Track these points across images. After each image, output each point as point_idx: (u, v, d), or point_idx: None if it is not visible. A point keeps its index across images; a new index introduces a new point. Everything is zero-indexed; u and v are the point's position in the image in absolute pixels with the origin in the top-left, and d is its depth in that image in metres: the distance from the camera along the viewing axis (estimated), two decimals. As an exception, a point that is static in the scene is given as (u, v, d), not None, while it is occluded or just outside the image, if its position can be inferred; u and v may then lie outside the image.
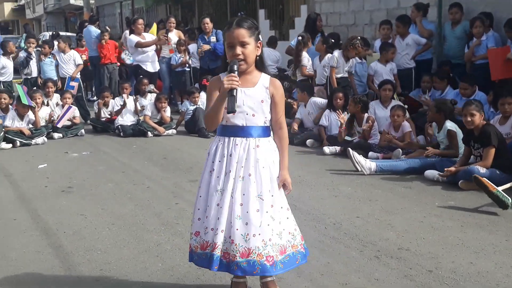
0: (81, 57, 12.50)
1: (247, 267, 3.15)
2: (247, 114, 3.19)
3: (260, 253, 3.15)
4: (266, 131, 3.29)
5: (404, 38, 9.48)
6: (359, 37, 9.52)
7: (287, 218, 3.32)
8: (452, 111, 7.19)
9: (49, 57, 12.08)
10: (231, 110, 3.03)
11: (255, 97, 3.22)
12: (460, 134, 6.87)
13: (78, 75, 11.85)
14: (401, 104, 8.21)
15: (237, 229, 3.14)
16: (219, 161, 3.24)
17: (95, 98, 15.18)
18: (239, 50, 3.14)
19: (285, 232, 3.28)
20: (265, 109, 3.25)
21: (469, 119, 6.19)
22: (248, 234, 3.14)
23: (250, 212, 3.15)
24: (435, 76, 8.83)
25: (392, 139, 7.60)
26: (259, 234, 3.15)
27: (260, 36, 3.27)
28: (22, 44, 16.43)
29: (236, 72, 3.05)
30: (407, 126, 7.76)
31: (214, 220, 3.18)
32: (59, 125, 9.80)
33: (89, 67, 14.27)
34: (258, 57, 3.25)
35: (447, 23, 9.41)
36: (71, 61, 11.90)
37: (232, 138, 3.23)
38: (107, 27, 14.02)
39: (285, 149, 3.38)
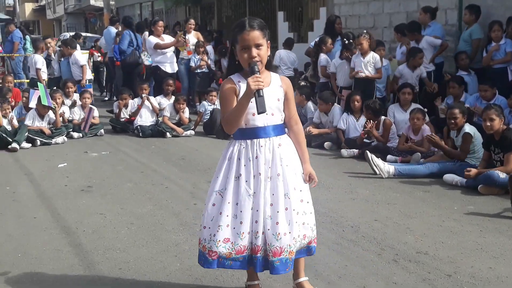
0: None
1: (280, 265, 3.18)
2: (266, 114, 3.18)
3: (292, 250, 3.19)
4: (283, 129, 3.33)
5: (419, 43, 9.42)
6: (364, 31, 9.52)
7: (311, 213, 3.37)
8: (472, 115, 7.15)
9: (66, 58, 12.30)
10: (262, 110, 3.02)
11: (272, 96, 3.23)
12: (479, 138, 6.82)
13: (88, 81, 12.11)
14: (421, 107, 8.16)
15: (268, 229, 3.17)
16: (245, 165, 3.22)
17: (107, 98, 15.36)
18: (255, 51, 3.13)
19: (308, 227, 3.34)
20: (281, 107, 3.29)
21: (488, 123, 6.15)
22: (279, 233, 3.16)
23: (280, 211, 3.18)
24: (452, 81, 8.68)
25: (412, 146, 7.56)
26: (289, 233, 3.18)
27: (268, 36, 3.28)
28: (28, 45, 16.68)
29: (258, 72, 3.07)
30: (427, 129, 7.71)
31: (250, 224, 3.19)
32: (87, 130, 9.88)
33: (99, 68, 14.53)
34: (268, 57, 3.26)
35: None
36: (75, 63, 12.08)
37: (255, 140, 3.22)
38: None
39: (303, 143, 3.42)
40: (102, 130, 10.16)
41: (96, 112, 10.31)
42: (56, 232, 4.96)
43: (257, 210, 3.18)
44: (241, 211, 3.19)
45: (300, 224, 3.25)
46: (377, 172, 6.80)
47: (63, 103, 10.08)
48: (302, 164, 3.37)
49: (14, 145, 8.64)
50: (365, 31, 9.68)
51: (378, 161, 6.86)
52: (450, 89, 8.13)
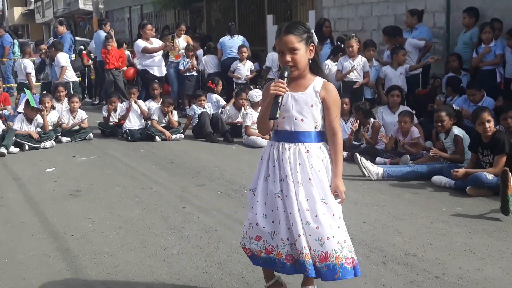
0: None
1: (327, 272, 3.15)
2: (295, 119, 3.16)
3: (338, 255, 3.15)
4: (317, 137, 3.24)
5: (403, 46, 9.46)
6: (353, 34, 9.59)
7: (338, 227, 3.23)
8: (461, 117, 7.18)
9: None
10: (272, 117, 3.03)
11: (304, 102, 3.19)
12: (467, 140, 6.84)
13: (68, 79, 12.09)
14: (409, 110, 8.18)
15: (310, 235, 3.13)
16: (273, 166, 3.24)
17: (96, 102, 15.31)
18: (288, 57, 3.13)
19: (334, 240, 3.18)
20: (316, 114, 3.20)
21: (487, 126, 6.14)
22: (321, 238, 3.12)
23: (319, 216, 3.14)
24: (470, 89, 8.31)
25: (405, 146, 7.59)
26: (333, 237, 3.14)
27: (314, 38, 3.21)
28: (16, 49, 16.66)
29: (286, 78, 3.06)
30: (415, 131, 7.74)
31: (278, 226, 3.20)
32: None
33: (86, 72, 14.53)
34: (311, 60, 3.22)
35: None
36: (57, 65, 12.11)
37: (281, 143, 3.23)
38: (111, 32, 14.07)
39: (338, 156, 3.30)
40: (90, 134, 10.11)
41: (84, 115, 10.26)
42: (43, 237, 4.93)
43: (290, 213, 3.16)
44: (272, 211, 3.22)
45: (343, 230, 3.21)
46: (366, 174, 6.81)
47: (52, 107, 10.02)
48: (333, 177, 3.27)
49: (2, 149, 8.58)
50: (353, 34, 9.72)
51: (367, 163, 6.88)
52: (469, 96, 8.06)
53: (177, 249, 4.55)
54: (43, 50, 13.05)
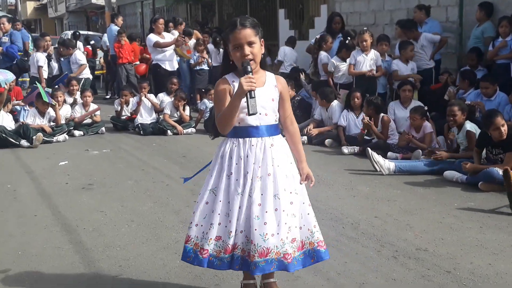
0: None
1: (265, 265, 3.13)
2: (260, 113, 3.15)
3: (278, 251, 3.14)
4: (277, 129, 3.29)
5: (418, 40, 9.40)
6: (365, 28, 9.55)
7: (308, 214, 3.30)
8: (473, 112, 7.14)
9: (67, 57, 12.44)
10: (253, 112, 3.00)
11: (266, 96, 3.21)
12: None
13: (83, 75, 12.27)
14: (421, 105, 8.14)
15: (255, 229, 3.12)
16: (236, 164, 3.21)
17: (108, 96, 15.39)
18: (247, 50, 3.11)
19: (305, 228, 3.28)
20: (275, 107, 3.26)
21: (502, 130, 6.11)
22: (266, 234, 3.11)
23: (268, 212, 3.14)
24: (484, 81, 8.23)
25: (412, 139, 7.57)
26: (278, 234, 3.14)
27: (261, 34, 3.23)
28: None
29: (250, 73, 3.04)
30: (428, 127, 7.69)
31: (237, 223, 3.17)
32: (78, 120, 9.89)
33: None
34: (262, 55, 3.23)
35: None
36: (76, 63, 12.23)
37: (247, 139, 3.20)
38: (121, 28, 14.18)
39: (299, 143, 3.40)
40: (103, 128, 10.17)
41: (97, 110, 10.31)
42: (56, 230, 4.97)
43: (240, 208, 3.16)
44: (231, 210, 3.19)
45: (289, 227, 3.18)
46: (378, 169, 6.80)
47: (64, 101, 10.09)
48: (298, 164, 3.34)
49: (34, 141, 8.77)
50: (365, 28, 9.68)
51: (378, 158, 6.87)
52: (482, 90, 8.00)
53: (188, 242, 4.56)
54: (48, 43, 13.10)
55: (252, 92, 2.99)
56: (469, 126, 6.90)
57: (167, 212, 5.42)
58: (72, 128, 9.80)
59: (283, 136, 3.37)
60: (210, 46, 13.18)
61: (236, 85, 3.10)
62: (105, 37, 15.93)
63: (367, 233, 4.74)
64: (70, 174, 7.05)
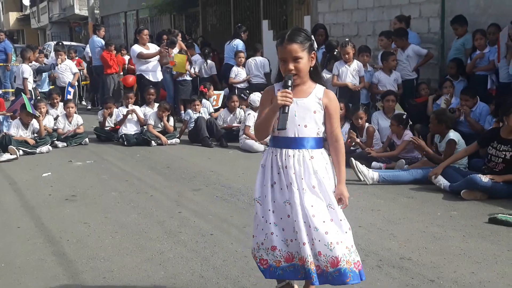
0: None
1: (339, 276, 3.11)
2: (299, 125, 3.15)
3: (348, 260, 3.13)
4: (319, 143, 3.23)
5: (405, 50, 9.50)
6: (347, 39, 9.65)
7: (346, 232, 3.21)
8: (454, 120, 7.20)
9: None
10: (282, 127, 3.00)
11: (307, 108, 3.18)
12: (462, 145, 6.91)
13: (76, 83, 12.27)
14: (401, 113, 8.18)
15: (319, 241, 3.10)
16: (278, 173, 3.20)
17: (89, 107, 15.38)
18: (291, 65, 3.11)
19: (343, 245, 3.17)
20: (318, 120, 3.21)
21: None
22: (331, 243, 3.10)
23: (326, 221, 3.12)
24: (465, 95, 8.22)
25: (356, 139, 7.83)
26: (342, 242, 3.13)
27: (314, 46, 3.20)
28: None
29: (290, 87, 3.04)
30: (408, 135, 7.75)
31: (291, 233, 3.15)
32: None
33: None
34: (312, 68, 3.21)
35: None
36: (68, 70, 12.25)
37: (284, 150, 3.19)
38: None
39: (341, 162, 3.31)
40: (86, 139, 10.12)
41: (80, 120, 10.26)
42: (40, 241, 4.94)
43: (295, 221, 3.12)
44: (281, 218, 3.18)
45: (348, 235, 3.17)
46: (362, 178, 6.84)
47: (47, 113, 10.05)
48: (337, 183, 3.29)
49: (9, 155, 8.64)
50: (347, 39, 9.76)
51: (362, 167, 6.90)
52: (462, 102, 8.07)
53: (173, 253, 4.56)
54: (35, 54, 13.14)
55: (286, 107, 2.99)
56: (452, 134, 6.98)
57: (151, 223, 5.40)
58: (55, 139, 9.75)
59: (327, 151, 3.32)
60: (197, 57, 13.21)
61: None
62: (88, 48, 15.90)
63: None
64: (54, 186, 7.01)
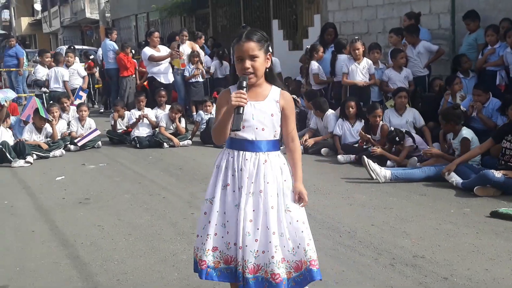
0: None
1: (255, 283, 3.10)
2: (256, 128, 3.13)
3: (266, 270, 3.10)
4: (275, 145, 3.22)
5: (416, 47, 9.46)
6: (357, 37, 9.64)
7: (302, 232, 3.19)
8: (461, 115, 7.12)
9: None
10: (236, 128, 2.98)
11: (265, 111, 3.16)
12: (475, 142, 6.88)
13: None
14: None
15: (246, 245, 3.09)
16: (232, 175, 3.17)
17: (102, 110, 15.48)
18: (248, 63, 3.08)
19: (301, 248, 3.16)
20: (276, 123, 3.19)
21: None
22: (257, 251, 3.09)
23: (260, 229, 3.10)
24: (477, 89, 8.17)
25: (369, 138, 7.88)
26: (268, 251, 3.10)
27: (270, 48, 3.19)
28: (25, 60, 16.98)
29: (245, 88, 3.01)
30: (409, 141, 7.72)
31: (235, 236, 3.13)
32: (80, 144, 9.88)
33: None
34: (267, 70, 3.19)
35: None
36: (76, 74, 12.34)
37: (241, 152, 3.16)
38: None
39: (298, 161, 3.31)
40: (99, 142, 10.18)
41: (93, 124, 10.32)
42: (54, 245, 4.97)
43: (238, 223, 3.11)
44: (227, 221, 3.15)
45: (275, 245, 3.11)
46: (374, 177, 6.82)
47: (60, 117, 10.13)
48: (293, 182, 3.26)
49: (28, 158, 8.70)
50: (357, 37, 9.74)
51: (374, 166, 6.88)
52: (474, 97, 8.03)
53: (186, 254, 4.57)
54: (48, 59, 13.23)
55: (241, 108, 2.97)
56: (465, 132, 6.95)
57: (164, 225, 5.42)
58: (68, 143, 9.81)
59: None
60: (206, 58, 13.24)
61: None
62: (100, 52, 15.99)
63: (364, 241, 4.75)
64: (67, 189, 7.06)
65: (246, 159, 3.15)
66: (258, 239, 3.10)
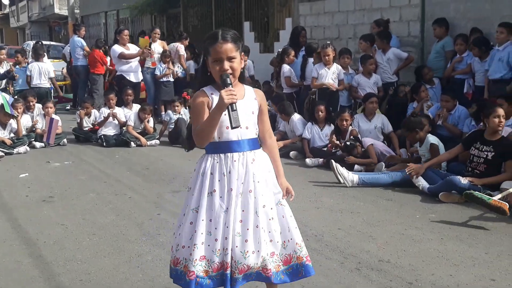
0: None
1: (243, 277, 3.08)
2: (241, 127, 3.07)
3: (258, 267, 3.09)
4: (258, 143, 3.23)
5: (386, 53, 9.56)
6: (328, 42, 9.69)
7: (295, 228, 3.23)
8: (421, 121, 7.18)
9: (24, 67, 12.28)
10: (237, 125, 2.95)
11: (246, 110, 3.14)
12: (442, 148, 6.96)
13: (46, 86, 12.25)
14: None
15: (236, 246, 3.05)
16: (219, 180, 3.11)
17: (68, 107, 15.25)
18: (227, 64, 3.05)
19: (292, 242, 3.19)
20: (255, 121, 3.20)
21: (502, 120, 6.21)
22: (247, 251, 3.06)
23: (250, 229, 3.07)
24: (446, 95, 8.30)
25: (336, 143, 8.00)
26: (258, 251, 3.08)
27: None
28: None
29: (231, 85, 2.98)
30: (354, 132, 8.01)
31: (224, 241, 3.07)
32: (51, 141, 9.73)
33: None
34: (242, 69, 3.17)
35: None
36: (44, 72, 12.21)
37: (228, 155, 3.11)
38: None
39: (278, 157, 3.34)
40: (65, 140, 10.03)
41: (59, 122, 10.16)
42: (16, 243, 4.87)
43: (227, 227, 3.06)
44: (215, 228, 3.07)
45: (267, 242, 3.12)
46: (341, 181, 6.85)
47: (24, 112, 9.93)
48: (277, 178, 3.28)
49: None
50: (328, 42, 9.80)
51: (342, 170, 6.92)
52: (442, 103, 8.14)
53: (151, 255, 4.52)
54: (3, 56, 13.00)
55: (234, 105, 2.93)
56: (432, 139, 7.02)
57: (130, 225, 5.35)
58: (33, 139, 9.64)
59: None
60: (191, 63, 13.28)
61: (215, 97, 3.04)
62: (67, 48, 15.76)
63: (331, 245, 4.76)
64: (31, 187, 6.92)
65: (234, 160, 3.11)
66: (248, 239, 3.07)
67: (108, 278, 4.10)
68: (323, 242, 4.85)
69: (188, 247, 3.14)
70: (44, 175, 7.64)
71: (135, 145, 9.72)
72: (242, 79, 3.23)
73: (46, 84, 12.12)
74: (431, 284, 3.96)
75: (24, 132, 9.55)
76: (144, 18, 20.63)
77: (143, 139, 9.77)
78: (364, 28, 11.11)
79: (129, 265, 4.34)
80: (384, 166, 7.42)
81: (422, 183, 6.44)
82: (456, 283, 3.98)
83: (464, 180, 6.04)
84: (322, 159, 8.05)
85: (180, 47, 13.01)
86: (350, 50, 10.18)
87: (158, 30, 13.26)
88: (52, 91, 12.70)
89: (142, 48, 12.03)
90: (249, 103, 3.18)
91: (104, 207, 6.02)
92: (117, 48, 11.73)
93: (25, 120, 9.80)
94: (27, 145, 9.40)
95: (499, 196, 5.52)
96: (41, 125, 10.00)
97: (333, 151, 8.20)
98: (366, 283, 4.00)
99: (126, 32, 12.09)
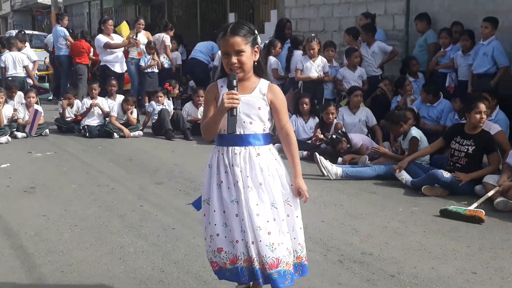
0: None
1: (278, 278, 3.05)
2: (244, 122, 3.07)
3: (288, 262, 3.09)
4: (266, 139, 3.17)
5: (371, 46, 9.57)
6: (313, 34, 9.69)
7: (300, 228, 3.24)
8: (404, 114, 7.19)
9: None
10: (232, 131, 2.95)
11: (252, 105, 3.10)
12: (424, 142, 6.98)
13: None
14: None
15: (260, 240, 3.03)
16: (225, 172, 3.11)
17: (51, 97, 15.11)
18: (234, 59, 3.02)
19: (295, 241, 3.20)
20: (263, 116, 3.13)
21: (483, 116, 6.23)
22: (273, 243, 3.04)
23: (270, 221, 3.06)
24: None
25: (320, 136, 7.97)
26: (283, 243, 3.07)
27: (258, 40, 3.13)
28: None
29: (236, 88, 2.95)
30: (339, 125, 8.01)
31: (238, 233, 3.06)
32: (33, 133, 9.64)
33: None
34: (256, 63, 3.13)
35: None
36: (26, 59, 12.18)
37: (231, 148, 3.11)
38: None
39: (295, 156, 3.28)
40: (47, 130, 9.93)
41: (42, 113, 10.06)
42: (-4, 234, 4.82)
43: (242, 219, 3.05)
44: (228, 219, 3.09)
45: (289, 236, 3.14)
46: (325, 173, 6.86)
47: (6, 102, 9.82)
48: (293, 177, 3.25)
49: None
50: (313, 35, 9.79)
51: (326, 163, 6.92)
52: (423, 95, 8.18)
53: (133, 247, 4.49)
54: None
55: (234, 110, 2.92)
56: (414, 132, 7.04)
57: (112, 217, 5.32)
58: (14, 129, 9.54)
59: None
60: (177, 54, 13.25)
61: (224, 90, 3.04)
62: (50, 38, 15.59)
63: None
64: (12, 177, 6.85)
65: (236, 154, 3.10)
66: (272, 231, 3.05)
67: (90, 269, 4.07)
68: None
69: (205, 238, 3.22)
70: (25, 165, 7.56)
71: (118, 136, 9.65)
72: (259, 72, 3.19)
73: (21, 73, 11.98)
74: (413, 277, 3.98)
75: (5, 122, 9.43)
76: (128, 8, 20.49)
77: (126, 130, 9.70)
78: (349, 21, 11.11)
79: (111, 256, 4.31)
80: (367, 159, 7.44)
81: (405, 176, 6.47)
82: (438, 276, 4.01)
83: (446, 174, 6.08)
84: (306, 152, 8.04)
85: (166, 38, 12.92)
86: (335, 43, 10.19)
87: (142, 21, 13.16)
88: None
89: (128, 38, 11.95)
90: (256, 98, 3.13)
91: (86, 198, 5.97)
92: (102, 38, 11.62)
93: (7, 110, 9.68)
94: (9, 135, 9.29)
95: (475, 204, 5.50)
96: (22, 114, 9.89)
97: (317, 144, 8.20)
98: (349, 275, 4.01)
99: (110, 22, 11.99)
